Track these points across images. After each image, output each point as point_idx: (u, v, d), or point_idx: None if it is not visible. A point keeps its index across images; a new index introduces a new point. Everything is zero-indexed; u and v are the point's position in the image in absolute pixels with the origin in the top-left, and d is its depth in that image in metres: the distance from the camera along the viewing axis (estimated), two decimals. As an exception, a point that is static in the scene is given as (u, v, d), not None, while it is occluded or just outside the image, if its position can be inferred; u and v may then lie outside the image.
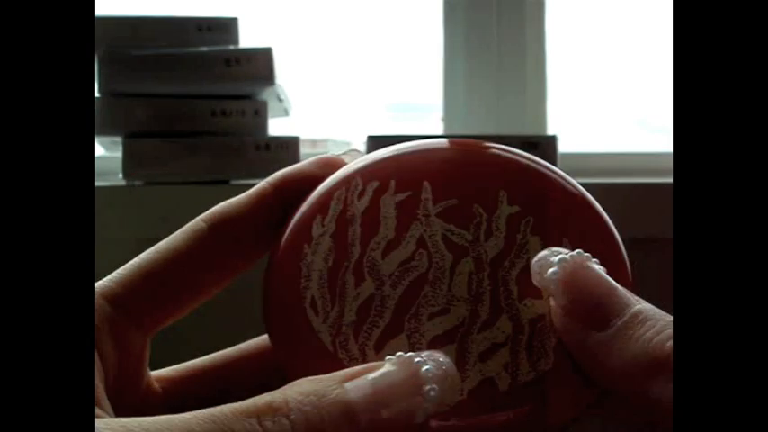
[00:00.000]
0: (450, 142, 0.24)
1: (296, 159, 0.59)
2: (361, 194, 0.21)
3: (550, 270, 0.19)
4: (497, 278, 0.20)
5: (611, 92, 0.83)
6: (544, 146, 0.57)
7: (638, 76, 0.81)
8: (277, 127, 0.64)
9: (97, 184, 0.55)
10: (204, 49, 0.58)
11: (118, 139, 0.58)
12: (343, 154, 0.23)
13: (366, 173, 0.22)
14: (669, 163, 0.74)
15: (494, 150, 0.23)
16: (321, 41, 0.81)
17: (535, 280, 0.20)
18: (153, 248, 0.21)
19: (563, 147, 0.58)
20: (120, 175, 0.57)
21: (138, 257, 0.21)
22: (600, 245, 0.21)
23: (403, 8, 0.81)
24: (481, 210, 0.21)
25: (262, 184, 0.22)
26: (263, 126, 0.59)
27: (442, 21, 0.75)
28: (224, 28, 0.60)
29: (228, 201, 0.22)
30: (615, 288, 0.18)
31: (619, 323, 0.18)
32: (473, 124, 0.74)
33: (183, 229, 0.21)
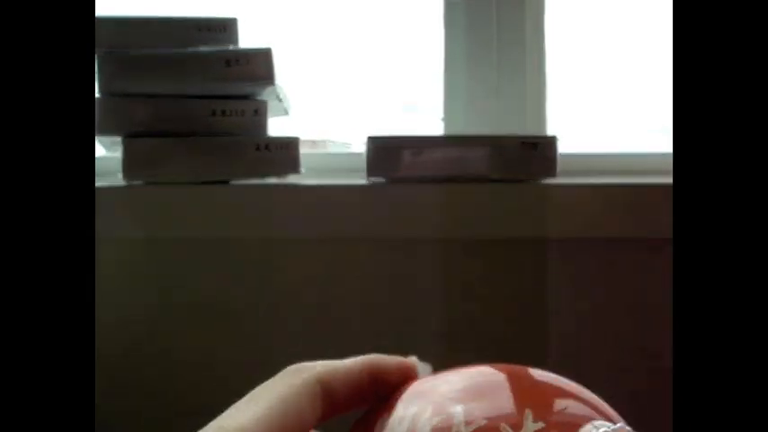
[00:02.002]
0: (496, 368, 0.25)
1: (296, 159, 0.59)
2: (401, 420, 0.23)
3: None
4: None
5: (611, 92, 0.83)
6: (544, 146, 0.57)
7: (638, 76, 0.81)
8: (277, 127, 0.64)
9: (97, 184, 0.55)
10: (204, 49, 0.58)
11: (118, 139, 0.58)
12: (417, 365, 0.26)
13: (405, 398, 0.24)
14: (669, 163, 0.74)
15: (529, 374, 0.25)
16: (321, 41, 0.81)
17: None
18: (280, 409, 0.22)
19: (563, 147, 0.58)
20: (120, 175, 0.57)
21: (268, 413, 0.22)
22: None
23: (403, 8, 0.81)
24: (508, 428, 0.22)
25: (358, 367, 0.24)
26: (263, 126, 0.59)
27: (443, 21, 0.75)
28: (224, 28, 0.60)
29: (336, 369, 0.24)
30: None
31: None
32: (473, 124, 0.74)
33: (302, 389, 0.23)
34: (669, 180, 0.56)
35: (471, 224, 0.55)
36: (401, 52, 0.82)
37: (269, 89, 0.59)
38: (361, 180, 0.58)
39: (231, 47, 0.59)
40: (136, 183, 0.58)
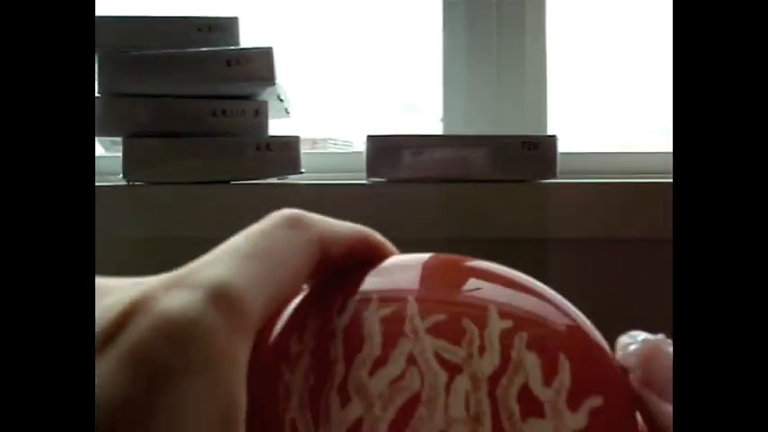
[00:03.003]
0: (431, 259, 0.22)
1: (296, 159, 0.59)
2: (341, 310, 0.20)
3: (632, 346, 0.20)
4: (496, 397, 0.18)
5: (611, 92, 0.83)
6: (544, 146, 0.57)
7: (638, 76, 0.81)
8: (277, 127, 0.64)
9: (97, 184, 0.55)
10: (204, 49, 0.58)
11: (118, 139, 0.58)
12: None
13: (345, 290, 0.21)
14: (669, 163, 0.74)
15: (478, 266, 0.22)
16: (321, 41, 0.81)
17: (618, 355, 0.20)
18: (282, 275, 0.19)
19: (563, 147, 0.58)
20: (121, 175, 0.57)
21: (270, 277, 0.18)
22: (597, 370, 0.20)
23: (403, 8, 0.81)
24: (472, 324, 0.19)
25: (357, 237, 0.21)
26: (263, 126, 0.59)
27: (442, 21, 0.75)
28: (224, 28, 0.60)
29: (337, 233, 0.21)
30: None
31: None
32: (473, 124, 0.74)
33: (303, 251, 0.19)
34: (669, 180, 0.56)
35: (471, 224, 0.55)
36: (401, 52, 0.82)
37: (270, 89, 0.59)
38: (361, 180, 0.58)
39: (232, 47, 0.59)
40: (136, 183, 0.58)
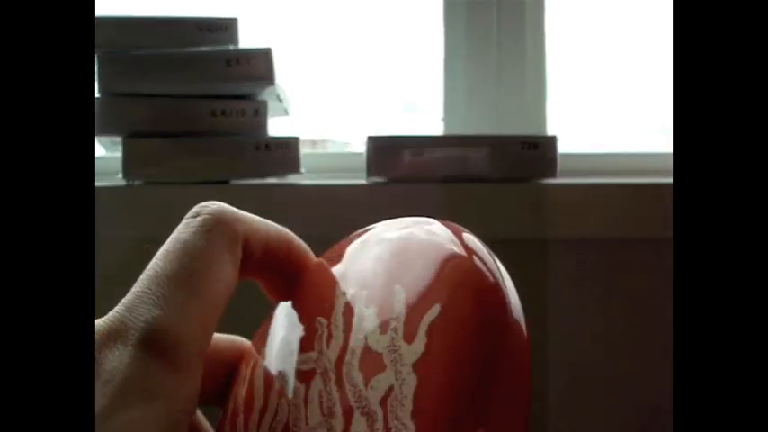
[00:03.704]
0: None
1: (296, 159, 0.59)
2: (242, 381, 0.21)
3: None
4: (342, 379, 0.18)
5: (611, 92, 0.83)
6: (544, 146, 0.57)
7: (637, 76, 0.81)
8: (277, 127, 0.64)
9: (97, 184, 0.55)
10: (204, 49, 0.58)
11: (118, 139, 0.58)
12: None
13: (247, 355, 0.22)
14: (669, 163, 0.74)
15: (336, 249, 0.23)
16: (321, 41, 0.81)
17: None
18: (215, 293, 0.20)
19: (563, 147, 0.58)
20: (120, 175, 0.57)
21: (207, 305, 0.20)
22: (434, 273, 0.19)
23: (403, 8, 0.81)
24: (322, 319, 0.20)
25: (274, 235, 0.22)
26: (263, 126, 0.59)
27: (443, 21, 0.75)
28: (224, 28, 0.60)
29: (257, 230, 0.22)
30: None
31: None
32: (473, 124, 0.74)
33: (227, 256, 0.20)
34: (669, 180, 0.56)
35: (471, 224, 0.55)
36: (401, 52, 0.82)
37: (269, 89, 0.59)
38: (361, 180, 0.58)
39: (231, 47, 0.59)
40: (136, 183, 0.58)
